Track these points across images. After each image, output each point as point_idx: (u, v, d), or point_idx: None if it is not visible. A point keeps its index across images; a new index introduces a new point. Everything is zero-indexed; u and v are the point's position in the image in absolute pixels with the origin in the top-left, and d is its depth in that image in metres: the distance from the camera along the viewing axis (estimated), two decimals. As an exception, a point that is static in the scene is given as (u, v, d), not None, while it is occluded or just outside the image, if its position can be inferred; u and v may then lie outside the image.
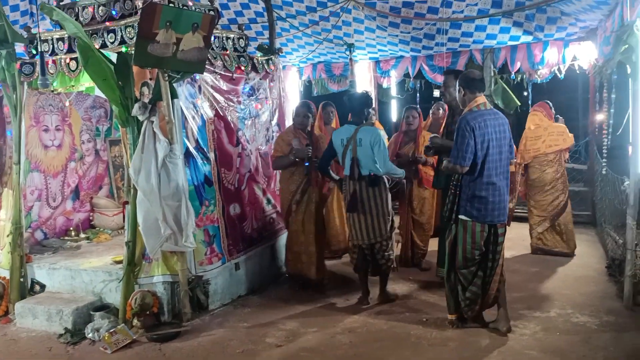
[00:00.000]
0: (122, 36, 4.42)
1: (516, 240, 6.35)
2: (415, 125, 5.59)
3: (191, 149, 4.62)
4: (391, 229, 4.64)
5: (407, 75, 8.10)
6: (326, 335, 4.10)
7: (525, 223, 6.24)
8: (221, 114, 4.95)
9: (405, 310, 4.54)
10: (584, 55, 6.67)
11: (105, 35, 4.49)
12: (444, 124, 5.30)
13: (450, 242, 3.98)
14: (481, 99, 3.91)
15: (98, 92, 4.50)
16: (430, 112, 6.92)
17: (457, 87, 4.03)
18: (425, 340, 3.95)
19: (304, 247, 5.06)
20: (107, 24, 4.49)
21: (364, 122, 4.61)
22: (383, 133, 4.86)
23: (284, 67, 7.68)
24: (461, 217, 3.89)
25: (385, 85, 8.52)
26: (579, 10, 5.61)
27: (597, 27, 6.09)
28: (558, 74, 7.08)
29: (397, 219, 5.15)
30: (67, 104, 5.66)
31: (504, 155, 3.89)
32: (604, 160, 6.36)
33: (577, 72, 7.07)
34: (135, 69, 4.22)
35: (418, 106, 5.87)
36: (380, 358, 3.73)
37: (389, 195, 4.63)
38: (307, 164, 4.97)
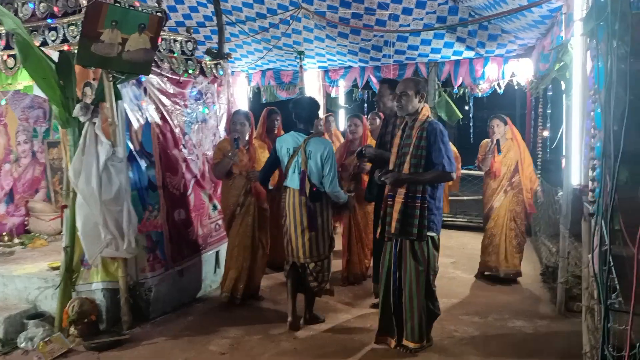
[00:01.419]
0: (64, 34, 4.27)
1: (456, 248, 6.55)
2: (358, 134, 5.42)
3: (135, 152, 4.51)
4: (330, 249, 4.32)
5: (355, 85, 8.23)
6: (271, 343, 4.08)
7: (464, 231, 6.44)
8: (167, 117, 4.85)
9: (350, 317, 4.59)
10: (522, 71, 6.99)
11: (46, 32, 4.33)
12: (378, 134, 4.99)
13: (426, 263, 3.68)
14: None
15: (37, 91, 4.31)
16: (367, 122, 6.86)
17: (413, 93, 3.63)
18: (369, 346, 3.99)
19: (240, 263, 4.83)
20: (49, 21, 4.33)
21: (313, 131, 4.33)
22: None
23: (232, 72, 7.64)
24: (430, 234, 3.66)
25: (333, 94, 8.62)
26: (518, 28, 5.88)
27: (534, 44, 6.40)
28: (498, 89, 7.38)
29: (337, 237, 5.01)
30: (2, 103, 5.41)
31: None
32: (539, 172, 6.68)
33: (516, 87, 7.40)
34: (77, 68, 4.08)
35: (360, 114, 5.70)
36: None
37: (330, 213, 4.33)
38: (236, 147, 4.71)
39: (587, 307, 3.18)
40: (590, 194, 2.44)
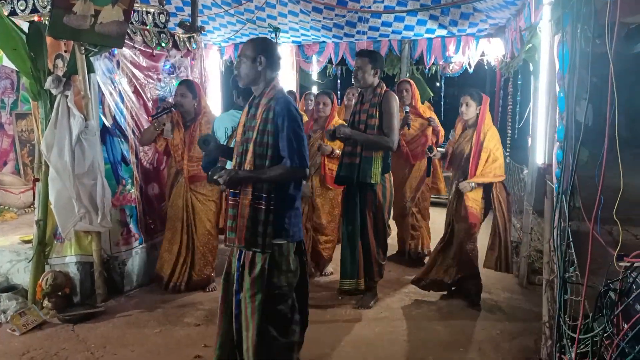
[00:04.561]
0: (34, 4, 4.19)
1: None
2: (326, 113, 4.94)
3: (108, 125, 4.48)
4: None
5: (330, 61, 8.23)
6: (245, 314, 4.17)
7: (434, 207, 6.58)
8: (140, 91, 4.82)
9: (321, 289, 4.72)
10: (493, 51, 7.11)
11: (15, 1, 4.22)
12: (350, 112, 4.47)
13: (266, 280, 2.77)
14: None
15: (6, 62, 4.24)
16: (345, 98, 6.55)
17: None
18: (340, 317, 4.15)
19: (173, 248, 4.61)
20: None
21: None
22: None
23: (204, 45, 7.55)
24: (279, 241, 2.78)
25: (313, 70, 8.60)
26: (490, 8, 5.96)
27: (505, 25, 6.51)
28: (468, 68, 7.50)
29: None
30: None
31: None
32: (507, 150, 6.86)
33: (486, 67, 7.53)
34: (49, 40, 4.02)
35: (332, 91, 5.32)
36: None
37: None
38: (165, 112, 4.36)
39: (547, 280, 3.35)
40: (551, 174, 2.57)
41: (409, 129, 5.19)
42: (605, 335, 2.01)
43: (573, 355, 2.25)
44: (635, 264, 1.88)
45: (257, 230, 2.73)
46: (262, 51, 2.80)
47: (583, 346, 2.17)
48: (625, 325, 1.82)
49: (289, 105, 2.74)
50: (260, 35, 2.99)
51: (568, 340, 2.38)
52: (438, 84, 8.53)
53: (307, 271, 3.03)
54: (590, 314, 2.21)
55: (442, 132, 5.59)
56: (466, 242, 4.24)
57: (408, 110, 5.11)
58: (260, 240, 2.74)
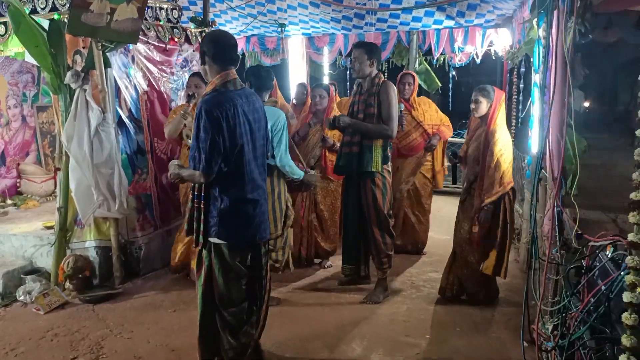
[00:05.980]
0: (53, 3, 4.41)
1: (432, 211, 6.85)
2: (323, 105, 4.90)
3: (124, 118, 4.72)
4: (284, 227, 4.01)
5: (339, 52, 8.37)
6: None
7: (440, 195, 6.73)
8: (154, 84, 5.05)
9: (327, 275, 4.92)
10: (500, 41, 7.19)
11: (35, 0, 4.46)
12: (349, 103, 4.52)
13: (205, 276, 2.91)
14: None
15: (28, 57, 4.48)
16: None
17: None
18: (344, 300, 4.35)
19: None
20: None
21: (264, 100, 3.86)
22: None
23: (217, 38, 7.72)
24: (214, 240, 2.84)
25: (319, 61, 8.75)
26: (496, -1, 6.07)
27: (512, 15, 6.59)
28: (476, 58, 7.59)
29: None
30: (-8, 68, 5.55)
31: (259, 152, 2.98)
32: (512, 139, 6.95)
33: (493, 57, 7.60)
34: (68, 36, 4.26)
35: (328, 85, 5.28)
36: (305, 315, 4.07)
37: (284, 187, 3.99)
38: None
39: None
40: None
41: (402, 130, 4.94)
42: (567, 308, 2.18)
43: (536, 326, 2.43)
44: (592, 243, 2.04)
45: (193, 224, 2.87)
46: (204, 47, 2.77)
47: (557, 319, 2.35)
48: (590, 299, 1.98)
49: (202, 104, 2.66)
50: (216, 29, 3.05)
51: (541, 315, 2.56)
52: (451, 74, 8.58)
53: (264, 276, 3.06)
54: (565, 291, 2.38)
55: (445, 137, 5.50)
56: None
57: (402, 109, 4.82)
58: (196, 234, 2.86)
